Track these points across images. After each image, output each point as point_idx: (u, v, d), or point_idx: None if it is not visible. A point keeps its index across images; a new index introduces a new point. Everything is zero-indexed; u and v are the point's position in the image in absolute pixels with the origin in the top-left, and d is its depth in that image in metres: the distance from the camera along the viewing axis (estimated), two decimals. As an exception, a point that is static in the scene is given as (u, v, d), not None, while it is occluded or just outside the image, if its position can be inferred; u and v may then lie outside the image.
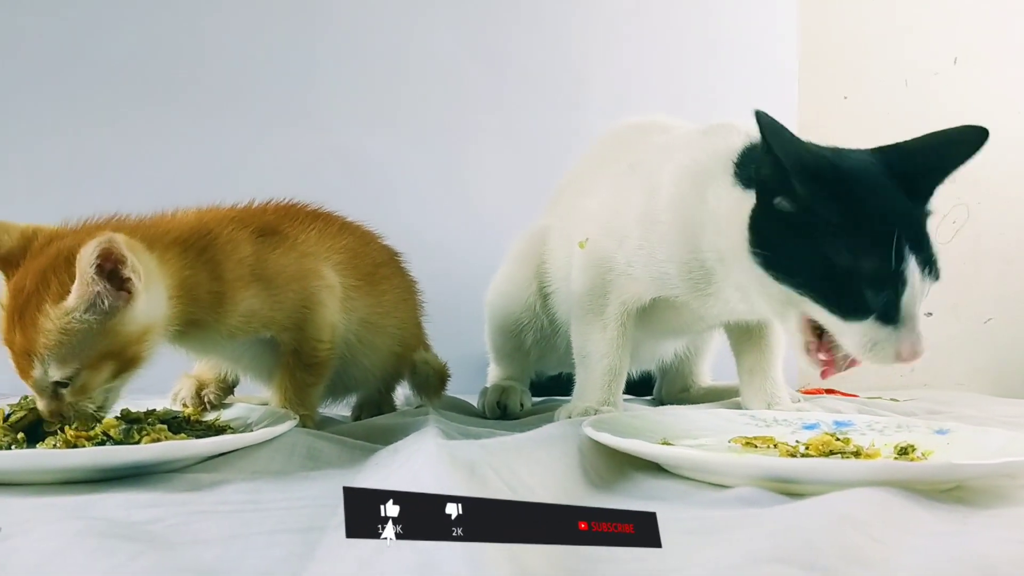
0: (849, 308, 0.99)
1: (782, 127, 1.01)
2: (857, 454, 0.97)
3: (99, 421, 0.95)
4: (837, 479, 0.77)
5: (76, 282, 0.91)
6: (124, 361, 0.97)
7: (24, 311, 0.94)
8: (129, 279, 0.93)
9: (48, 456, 0.83)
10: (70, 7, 2.10)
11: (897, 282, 0.96)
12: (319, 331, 1.18)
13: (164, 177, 2.04)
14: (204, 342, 1.13)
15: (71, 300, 0.92)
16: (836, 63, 2.49)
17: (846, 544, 0.59)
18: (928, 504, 0.75)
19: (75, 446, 0.88)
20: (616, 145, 1.45)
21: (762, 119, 0.99)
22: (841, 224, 0.98)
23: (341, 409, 1.46)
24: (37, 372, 0.94)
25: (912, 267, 0.96)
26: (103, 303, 0.93)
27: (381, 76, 2.22)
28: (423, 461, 0.77)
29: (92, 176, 2.05)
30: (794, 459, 0.92)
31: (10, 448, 0.91)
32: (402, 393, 1.52)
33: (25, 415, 0.96)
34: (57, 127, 2.07)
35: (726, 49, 2.36)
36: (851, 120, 2.47)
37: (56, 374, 0.93)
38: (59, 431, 0.93)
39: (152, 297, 0.98)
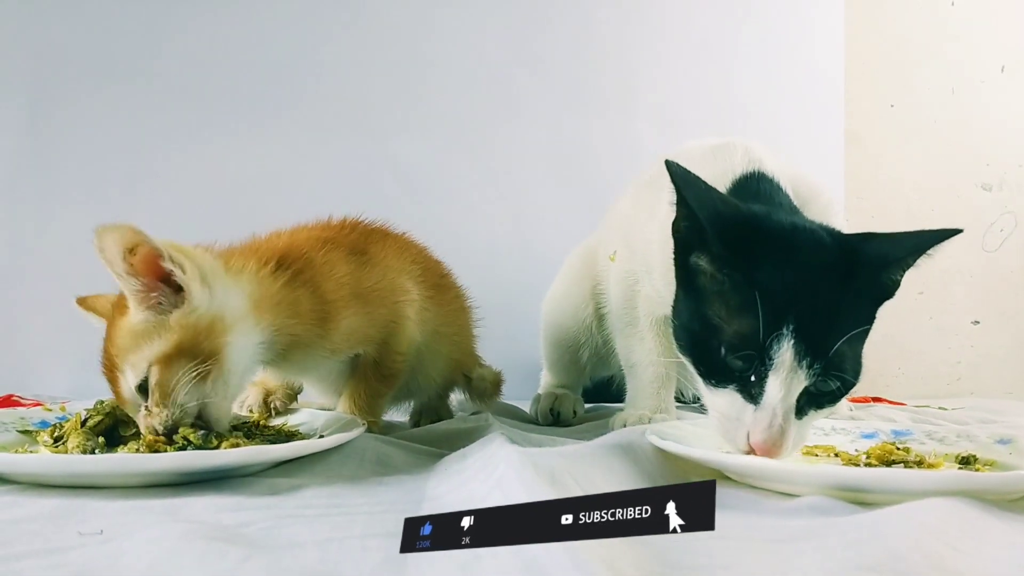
0: (710, 369, 0.93)
1: (697, 179, 0.94)
2: (920, 463, 0.97)
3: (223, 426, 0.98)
4: (912, 489, 0.77)
5: (113, 276, 0.92)
6: (201, 356, 0.94)
7: (108, 335, 0.97)
8: (172, 271, 0.93)
9: (136, 460, 0.85)
10: (129, 21, 2.15)
11: (761, 358, 0.87)
12: (401, 344, 1.22)
13: (216, 183, 2.08)
14: (307, 362, 1.15)
15: (130, 302, 0.94)
16: (882, 71, 2.48)
17: (930, 553, 0.60)
18: (999, 514, 0.75)
19: (156, 451, 0.91)
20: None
21: (673, 169, 0.93)
22: (736, 280, 0.90)
23: (397, 415, 1.48)
24: (123, 387, 0.95)
25: (785, 349, 0.86)
26: (164, 303, 0.94)
27: (427, 83, 2.24)
28: (507, 468, 0.78)
29: (146, 182, 2.09)
30: (870, 469, 0.92)
31: (93, 452, 0.93)
32: (455, 399, 1.54)
33: (102, 419, 0.98)
34: (113, 135, 2.11)
35: (773, 57, 2.36)
36: (898, 127, 2.46)
37: (131, 378, 0.93)
38: (139, 435, 0.95)
39: (219, 291, 0.98)
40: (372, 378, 1.20)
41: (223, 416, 0.99)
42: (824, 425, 1.17)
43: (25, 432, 1.06)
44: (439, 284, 1.36)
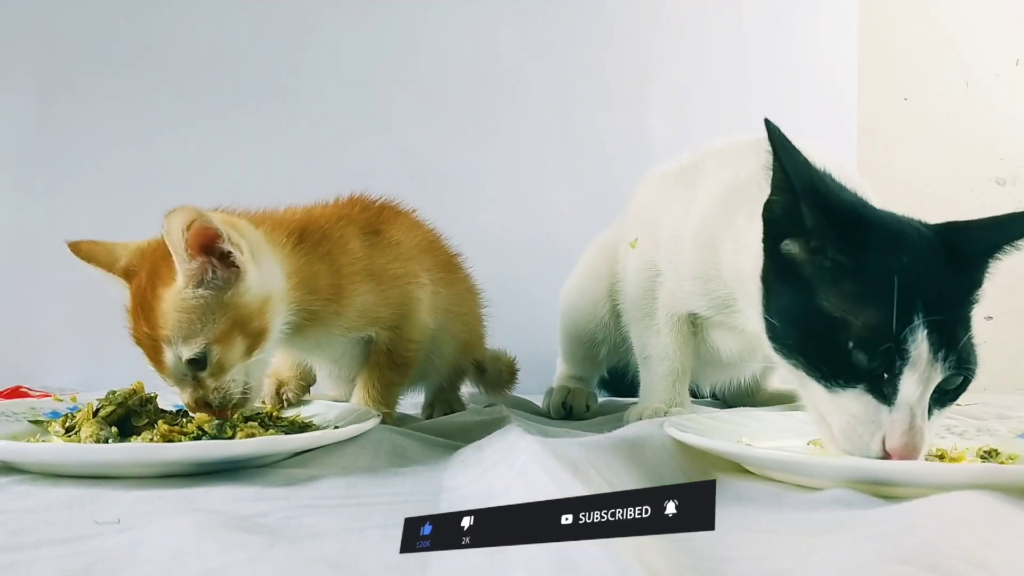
0: (833, 370, 0.83)
1: (797, 149, 0.86)
2: (941, 457, 0.96)
3: (252, 403, 1.01)
4: (937, 482, 0.76)
5: (175, 259, 0.93)
6: (252, 335, 0.99)
7: (144, 303, 0.97)
8: (230, 252, 0.95)
9: (153, 450, 0.84)
10: (138, 10, 2.14)
11: (896, 351, 0.79)
12: (413, 331, 1.21)
13: (227, 177, 2.07)
14: (321, 339, 1.15)
15: (180, 279, 0.94)
16: (896, 64, 2.48)
17: (962, 546, 0.59)
18: (1025, 507, 0.74)
19: (170, 440, 0.90)
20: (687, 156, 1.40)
21: (772, 130, 0.85)
22: (848, 266, 0.83)
23: (409, 408, 1.47)
24: (168, 358, 0.96)
25: (920, 340, 0.79)
26: (215, 278, 0.95)
27: (440, 76, 2.24)
28: (529, 458, 0.78)
29: (157, 176, 2.09)
30: (894, 462, 0.91)
31: (106, 442, 0.92)
32: (467, 392, 1.53)
33: (114, 409, 0.97)
34: (123, 128, 2.11)
35: (786, 49, 2.35)
36: (911, 121, 2.45)
37: (186, 352, 0.95)
38: (152, 425, 0.95)
39: (266, 268, 1.00)
40: (386, 367, 1.20)
41: (261, 385, 1.04)
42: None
43: (36, 422, 1.05)
44: (448, 264, 1.36)
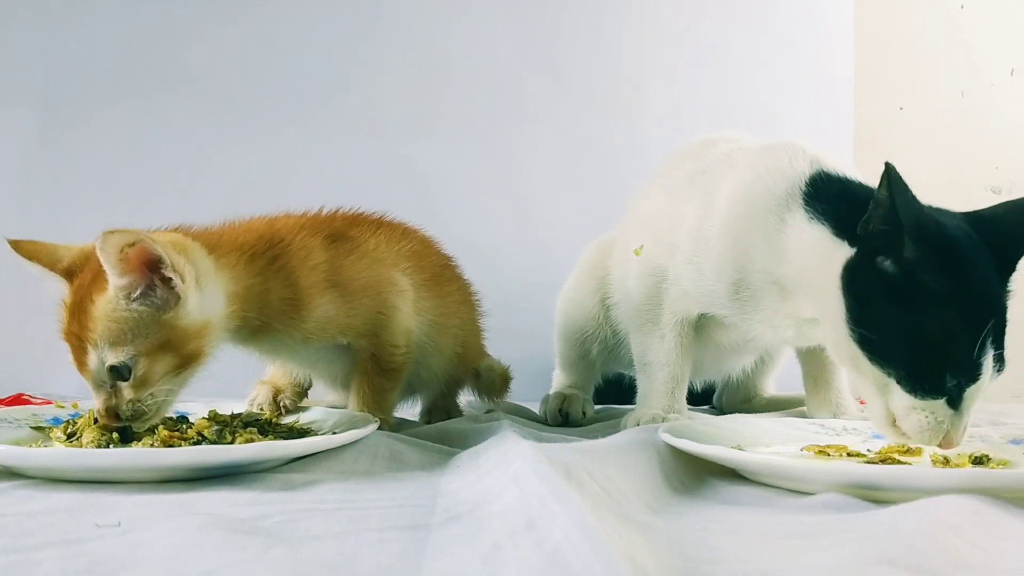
0: (929, 388, 0.93)
1: (906, 184, 0.94)
2: (947, 462, 0.97)
3: (154, 421, 0.97)
4: (927, 486, 0.77)
5: (108, 273, 0.93)
6: (184, 356, 0.98)
7: (79, 304, 0.97)
8: (171, 279, 0.94)
9: (154, 455, 0.85)
10: (141, 26, 2.15)
11: (973, 373, 0.91)
12: (394, 336, 1.20)
13: (229, 187, 2.08)
14: (276, 346, 1.15)
15: (110, 289, 0.94)
16: (893, 73, 2.48)
17: (948, 549, 0.60)
18: (1016, 512, 0.75)
19: (171, 446, 0.91)
20: (685, 159, 1.40)
21: (891, 173, 0.91)
22: (945, 296, 0.92)
23: (404, 412, 1.48)
24: (92, 360, 0.95)
25: (988, 362, 0.92)
26: (153, 295, 0.94)
27: (440, 86, 2.24)
28: (522, 463, 0.78)
29: (159, 186, 2.10)
30: (885, 466, 0.92)
31: (108, 447, 0.93)
32: (465, 400, 1.54)
33: (116, 416, 0.99)
34: (126, 139, 2.12)
35: (783, 59, 2.35)
36: (907, 130, 2.46)
37: (110, 358, 0.94)
38: (152, 431, 0.96)
39: (209, 295, 0.99)
40: (373, 373, 1.20)
41: (173, 405, 1.01)
42: (836, 425, 1.17)
43: (38, 428, 1.07)
44: (438, 275, 1.35)
